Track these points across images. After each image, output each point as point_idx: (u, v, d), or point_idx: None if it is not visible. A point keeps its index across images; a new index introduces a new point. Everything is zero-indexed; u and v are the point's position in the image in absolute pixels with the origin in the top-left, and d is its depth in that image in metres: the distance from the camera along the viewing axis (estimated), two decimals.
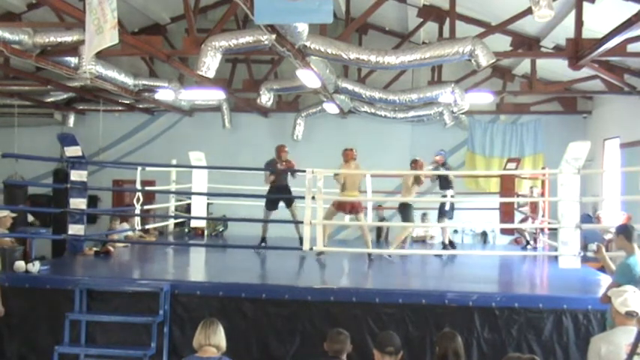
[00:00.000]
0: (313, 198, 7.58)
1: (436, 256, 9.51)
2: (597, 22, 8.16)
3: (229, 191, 11.34)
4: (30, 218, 12.14)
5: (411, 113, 13.24)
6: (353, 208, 8.96)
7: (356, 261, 8.88)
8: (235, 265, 8.43)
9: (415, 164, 9.64)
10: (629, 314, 4.07)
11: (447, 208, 9.91)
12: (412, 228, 10.38)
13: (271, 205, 9.66)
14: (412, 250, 10.30)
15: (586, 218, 9.94)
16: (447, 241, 10.11)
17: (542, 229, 10.61)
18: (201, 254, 9.74)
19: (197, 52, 8.14)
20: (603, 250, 5.84)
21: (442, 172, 9.82)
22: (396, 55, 8.16)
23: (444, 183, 10.03)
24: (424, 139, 13.85)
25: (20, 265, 6.83)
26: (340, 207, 8.92)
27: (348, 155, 9.06)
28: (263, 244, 9.54)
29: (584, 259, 7.28)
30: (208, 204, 12.59)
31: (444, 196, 10.08)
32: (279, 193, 9.45)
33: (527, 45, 10.47)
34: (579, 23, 8.14)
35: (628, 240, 5.31)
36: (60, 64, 9.59)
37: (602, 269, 7.28)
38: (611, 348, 3.95)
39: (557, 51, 10.03)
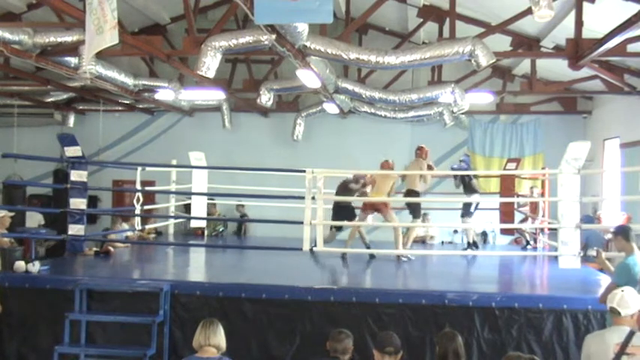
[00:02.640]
0: (313, 198, 7.59)
1: (462, 256, 9.56)
2: (597, 22, 8.15)
3: (229, 191, 11.33)
4: (39, 219, 12.06)
5: (411, 113, 13.23)
6: None
7: (356, 261, 8.88)
8: (235, 265, 8.44)
9: (420, 151, 9.61)
10: (612, 311, 4.07)
11: (471, 209, 9.99)
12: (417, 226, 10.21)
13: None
14: (424, 251, 10.28)
15: (586, 218, 9.94)
16: (470, 241, 10.21)
17: (542, 229, 10.61)
18: (201, 254, 9.74)
19: (197, 52, 8.14)
20: (602, 255, 5.88)
21: (441, 172, 9.82)
22: (396, 55, 8.15)
23: (469, 189, 10.03)
24: (424, 139, 13.63)
25: (20, 265, 6.84)
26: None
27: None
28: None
29: (585, 259, 7.28)
30: (215, 204, 12.61)
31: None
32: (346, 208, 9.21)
33: (527, 45, 10.45)
34: (579, 23, 8.14)
35: (626, 240, 5.33)
36: (60, 64, 9.59)
37: (603, 270, 7.30)
38: (600, 347, 3.95)
39: (557, 51, 10.02)
